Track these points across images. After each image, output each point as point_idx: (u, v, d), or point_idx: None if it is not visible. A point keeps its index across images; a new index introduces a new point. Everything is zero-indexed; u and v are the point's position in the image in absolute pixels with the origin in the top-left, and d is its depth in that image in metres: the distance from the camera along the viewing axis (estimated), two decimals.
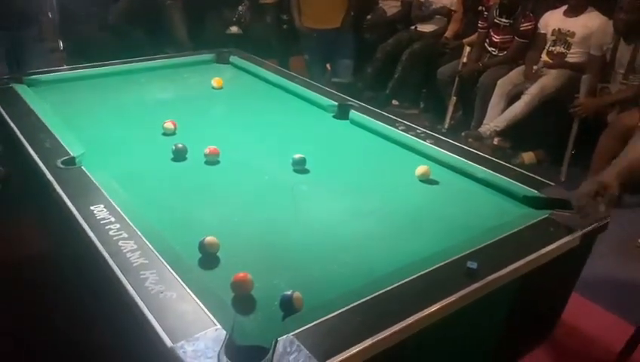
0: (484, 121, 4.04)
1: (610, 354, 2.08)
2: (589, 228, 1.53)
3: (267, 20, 5.42)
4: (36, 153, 1.81)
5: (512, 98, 3.97)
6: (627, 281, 2.03)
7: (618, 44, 3.42)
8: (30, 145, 1.87)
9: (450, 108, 4.49)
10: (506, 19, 4.17)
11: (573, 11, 3.84)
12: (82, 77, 2.73)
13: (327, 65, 4.97)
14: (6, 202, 2.52)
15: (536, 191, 1.72)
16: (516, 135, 4.02)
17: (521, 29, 4.09)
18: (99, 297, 1.49)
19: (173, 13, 5.00)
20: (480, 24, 4.34)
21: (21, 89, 2.43)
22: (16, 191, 2.23)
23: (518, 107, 3.85)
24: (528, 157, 3.93)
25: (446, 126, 4.49)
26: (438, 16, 4.77)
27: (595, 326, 2.32)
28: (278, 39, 5.38)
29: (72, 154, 1.80)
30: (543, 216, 1.57)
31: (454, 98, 4.45)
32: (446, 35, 4.71)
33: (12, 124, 2.03)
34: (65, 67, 2.95)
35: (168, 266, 1.26)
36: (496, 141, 4.01)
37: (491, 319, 1.49)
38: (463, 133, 4.08)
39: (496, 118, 3.96)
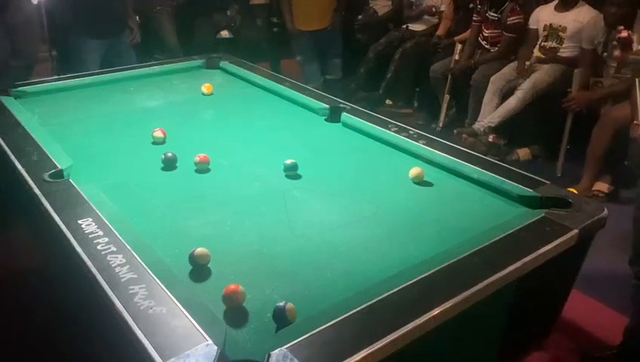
0: (479, 118, 4.02)
1: (611, 350, 2.07)
2: (587, 225, 1.52)
3: (257, 23, 5.40)
4: (23, 166, 1.78)
5: (506, 94, 3.96)
6: (626, 276, 2.01)
7: (609, 38, 3.41)
8: (17, 158, 1.84)
9: (444, 107, 4.47)
10: (495, 13, 4.17)
11: (564, 6, 3.83)
12: (70, 87, 2.70)
13: None
14: None
15: (531, 191, 1.70)
16: (511, 131, 4.01)
17: (508, 22, 4.09)
18: (88, 312, 1.46)
19: (163, 19, 4.96)
20: (474, 17, 4.34)
21: (8, 101, 2.40)
22: (3, 204, 2.19)
23: (512, 103, 3.84)
24: (523, 153, 3.92)
25: (440, 124, 4.48)
26: (428, 16, 4.76)
27: (594, 321, 2.30)
28: (268, 42, 5.36)
29: (59, 166, 1.78)
30: (539, 216, 1.55)
31: (448, 96, 4.43)
32: (437, 33, 4.70)
33: None
34: (52, 77, 2.91)
35: (158, 280, 1.23)
36: (491, 138, 3.99)
37: (490, 321, 1.47)
38: (455, 131, 4.06)
39: (490, 115, 3.94)
